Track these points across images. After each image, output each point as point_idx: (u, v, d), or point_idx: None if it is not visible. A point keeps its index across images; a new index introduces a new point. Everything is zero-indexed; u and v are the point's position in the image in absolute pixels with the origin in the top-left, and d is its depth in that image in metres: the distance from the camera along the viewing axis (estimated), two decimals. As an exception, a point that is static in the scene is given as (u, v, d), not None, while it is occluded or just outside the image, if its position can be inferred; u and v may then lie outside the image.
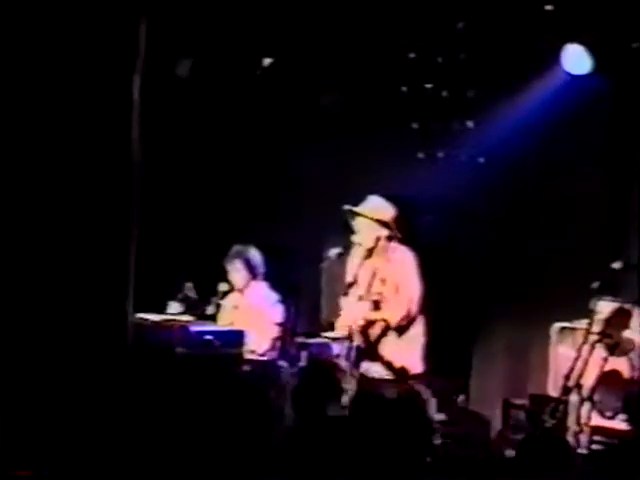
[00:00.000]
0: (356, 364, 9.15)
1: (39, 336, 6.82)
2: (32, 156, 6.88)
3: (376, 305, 9.25)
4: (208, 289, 9.83)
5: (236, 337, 9.37)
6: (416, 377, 9.15)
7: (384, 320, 9.18)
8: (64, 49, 6.93)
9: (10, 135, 7.00)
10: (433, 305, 9.30)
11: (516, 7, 9.54)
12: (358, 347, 9.21)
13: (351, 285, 9.26)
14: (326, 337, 9.47)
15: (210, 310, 9.73)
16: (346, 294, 9.28)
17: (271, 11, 9.92)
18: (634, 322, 9.14)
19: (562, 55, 9.86)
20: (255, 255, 9.87)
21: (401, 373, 9.17)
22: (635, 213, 10.26)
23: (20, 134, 6.89)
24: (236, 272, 9.87)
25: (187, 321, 9.38)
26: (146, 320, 8.75)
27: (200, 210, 10.96)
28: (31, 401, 6.60)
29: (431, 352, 9.23)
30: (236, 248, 9.87)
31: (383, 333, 9.21)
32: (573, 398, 8.89)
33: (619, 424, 9.13)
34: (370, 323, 9.23)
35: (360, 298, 9.20)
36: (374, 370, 9.16)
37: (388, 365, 9.24)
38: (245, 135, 11.01)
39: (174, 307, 10.22)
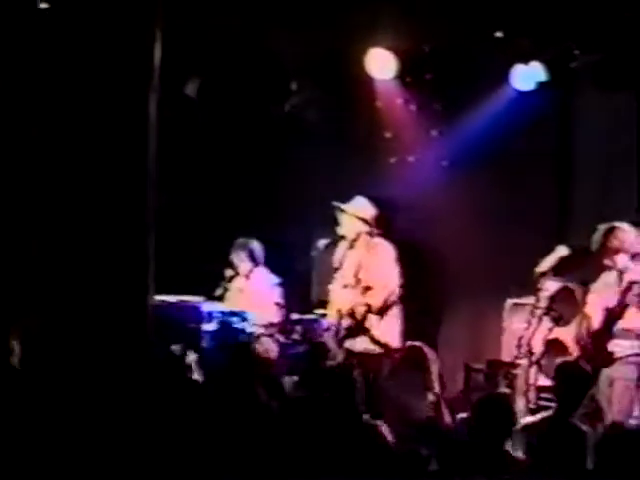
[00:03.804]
0: (342, 340, 9.07)
1: (70, 319, 6.83)
2: (67, 160, 6.94)
3: (361, 291, 9.11)
4: (217, 274, 9.80)
5: (240, 315, 9.32)
6: (394, 350, 8.96)
7: (368, 304, 9.08)
8: (90, 70, 6.94)
9: (51, 140, 7.12)
10: (408, 289, 9.21)
11: (472, 34, 9.60)
12: (345, 327, 9.10)
13: (336, 270, 9.23)
14: (316, 314, 9.52)
15: (218, 292, 9.66)
16: (333, 278, 9.24)
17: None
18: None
19: (511, 74, 10.09)
20: (256, 246, 9.89)
21: (383, 347, 9.03)
22: (575, 208, 10.31)
23: (57, 141, 7.00)
24: (240, 261, 9.87)
25: (198, 302, 9.34)
26: (163, 301, 8.72)
27: (210, 209, 10.86)
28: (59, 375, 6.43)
29: (406, 328, 9.16)
30: (240, 240, 9.91)
31: (367, 315, 9.11)
32: (523, 362, 8.91)
33: None
34: (356, 307, 9.13)
35: (346, 285, 9.13)
36: (358, 346, 9.06)
37: (372, 341, 9.11)
38: (248, 145, 10.91)
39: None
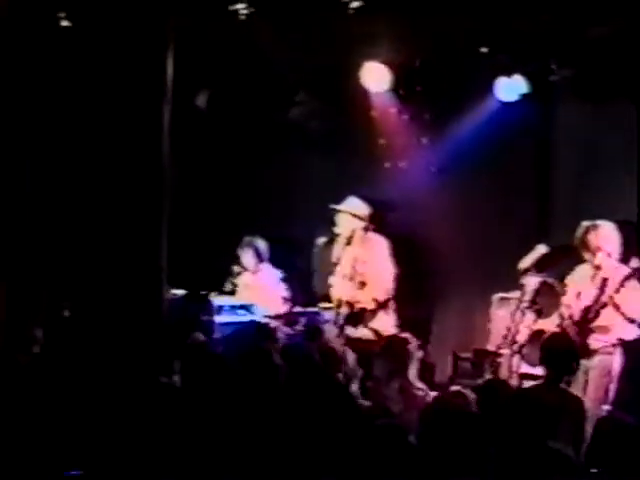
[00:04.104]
0: (342, 328, 9.24)
1: (92, 309, 6.97)
2: (90, 165, 7.08)
3: (359, 284, 9.33)
4: (226, 270, 9.98)
5: (247, 308, 9.51)
6: (390, 337, 8.84)
7: (366, 296, 9.28)
8: (109, 83, 7.05)
9: (76, 147, 7.36)
10: (402, 283, 9.41)
11: (459, 50, 9.68)
12: (345, 316, 9.33)
13: (335, 265, 9.45)
14: (319, 307, 9.69)
15: (227, 287, 9.88)
16: (333, 272, 9.47)
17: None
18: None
19: (495, 86, 10.18)
20: (262, 244, 10.05)
21: (378, 335, 9.17)
22: (554, 210, 10.35)
23: (81, 148, 7.19)
24: (247, 258, 10.03)
25: (209, 296, 9.46)
26: (176, 295, 8.92)
27: (219, 210, 11.11)
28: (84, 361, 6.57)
29: (400, 318, 9.37)
30: (247, 239, 10.06)
31: (365, 305, 9.33)
32: (506, 351, 9.04)
33: (541, 371, 8.77)
34: (354, 300, 9.33)
35: (345, 278, 9.35)
36: (357, 333, 9.25)
37: (369, 329, 9.28)
38: (254, 152, 11.09)
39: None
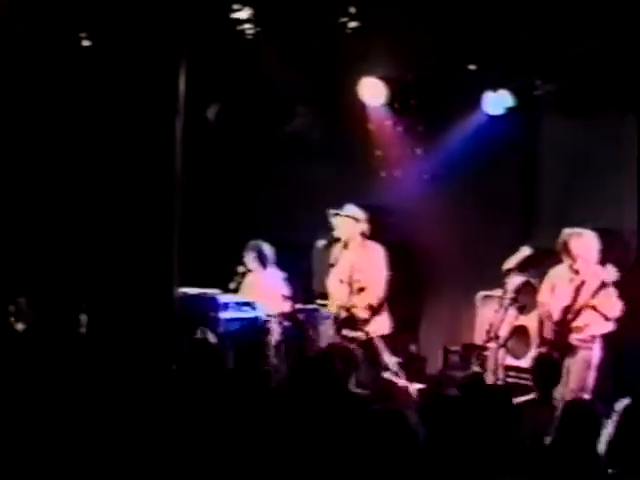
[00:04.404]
0: (339, 329, 9.30)
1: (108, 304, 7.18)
2: (108, 172, 7.23)
3: (356, 290, 9.32)
4: (232, 271, 9.94)
5: (251, 305, 9.51)
6: (384, 336, 9.22)
7: (362, 301, 9.27)
8: (127, 98, 7.24)
9: (96, 156, 7.49)
10: (397, 283, 9.45)
11: (450, 67, 9.71)
12: (342, 318, 9.33)
13: (332, 266, 9.45)
14: (317, 304, 9.76)
15: (232, 286, 9.84)
16: (330, 273, 9.49)
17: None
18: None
19: (482, 101, 10.25)
20: (266, 247, 10.04)
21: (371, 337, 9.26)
22: (538, 215, 10.40)
23: (101, 156, 7.34)
24: (252, 259, 10.03)
25: (215, 293, 9.52)
26: (186, 293, 8.97)
27: (226, 215, 11.19)
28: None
29: (393, 316, 9.41)
30: (252, 242, 10.09)
31: (360, 311, 9.31)
32: (492, 345, 9.07)
33: (524, 363, 9.27)
34: (352, 306, 9.31)
35: (342, 281, 9.35)
36: (353, 334, 9.26)
37: (363, 329, 9.28)
38: (258, 161, 11.17)
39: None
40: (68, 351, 6.84)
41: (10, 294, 8.51)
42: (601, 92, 9.34)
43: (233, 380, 6.03)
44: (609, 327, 8.54)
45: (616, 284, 8.37)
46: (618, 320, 8.51)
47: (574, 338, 8.53)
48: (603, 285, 8.44)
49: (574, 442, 5.18)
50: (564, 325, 8.55)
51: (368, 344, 9.00)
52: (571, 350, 8.56)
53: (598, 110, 9.56)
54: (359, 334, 9.17)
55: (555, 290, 8.68)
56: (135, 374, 6.06)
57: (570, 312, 8.56)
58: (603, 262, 8.53)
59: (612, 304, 8.51)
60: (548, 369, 8.35)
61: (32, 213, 9.79)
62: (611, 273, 8.35)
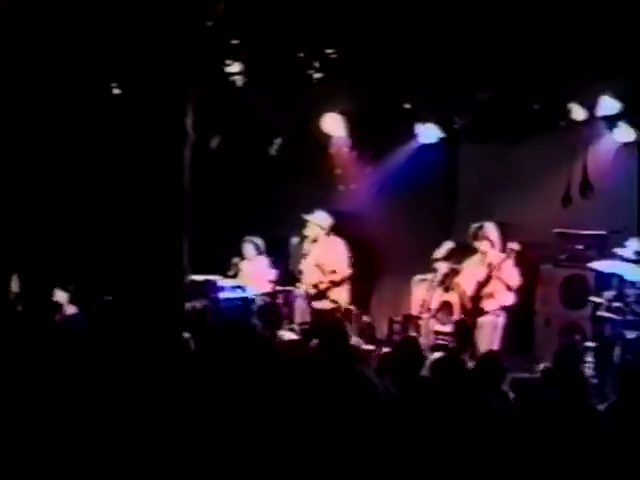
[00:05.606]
0: (310, 302, 10.37)
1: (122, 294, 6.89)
2: (127, 186, 6.90)
3: (323, 272, 10.33)
4: (230, 261, 10.68)
5: (242, 287, 10.44)
6: (345, 309, 10.33)
7: (327, 279, 10.32)
8: (147, 130, 6.79)
9: (116, 178, 7.29)
10: (354, 269, 10.38)
11: (392, 105, 10.36)
12: (312, 294, 10.38)
13: (304, 256, 10.44)
14: (294, 286, 10.61)
15: (231, 273, 10.62)
16: (302, 262, 10.50)
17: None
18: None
19: (417, 132, 11.00)
20: (258, 241, 10.73)
21: (337, 306, 10.27)
22: (457, 217, 11.07)
23: (121, 177, 7.05)
24: (247, 251, 10.75)
25: (216, 279, 10.38)
26: (194, 279, 9.14)
27: (227, 218, 11.58)
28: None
29: (351, 294, 10.50)
30: (247, 237, 10.77)
31: (328, 288, 10.35)
32: (425, 316, 10.07)
33: (448, 328, 10.06)
34: (320, 283, 10.32)
35: (312, 267, 10.36)
36: (320, 305, 10.33)
37: (331, 302, 10.31)
38: (249, 177, 11.66)
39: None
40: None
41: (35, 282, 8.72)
42: (500, 126, 10.17)
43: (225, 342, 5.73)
44: (511, 298, 9.54)
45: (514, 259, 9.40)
46: (517, 292, 9.52)
47: (485, 307, 9.48)
48: (504, 261, 9.47)
49: (485, 382, 5.98)
50: (477, 298, 9.50)
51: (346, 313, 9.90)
52: (482, 314, 9.55)
53: (501, 140, 10.43)
54: (325, 304, 10.04)
55: (470, 272, 9.74)
56: (151, 341, 6.06)
57: (481, 285, 9.52)
58: (502, 245, 9.53)
59: (512, 275, 9.52)
60: (464, 331, 9.35)
61: (59, 218, 10.37)
62: (510, 250, 9.38)
